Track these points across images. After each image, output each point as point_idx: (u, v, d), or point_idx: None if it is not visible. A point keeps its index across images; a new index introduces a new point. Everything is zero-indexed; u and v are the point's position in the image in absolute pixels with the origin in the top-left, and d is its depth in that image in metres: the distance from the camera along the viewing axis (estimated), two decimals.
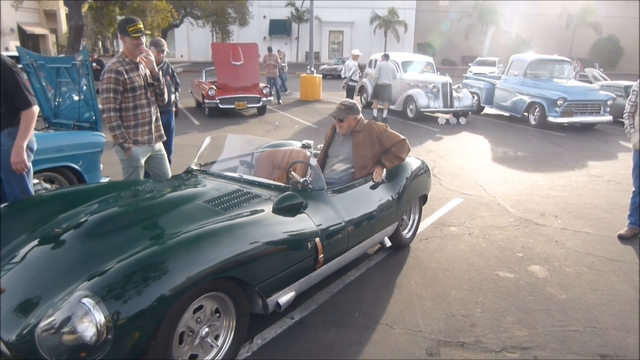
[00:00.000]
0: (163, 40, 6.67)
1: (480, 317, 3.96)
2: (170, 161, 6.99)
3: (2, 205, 3.70)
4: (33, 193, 4.48)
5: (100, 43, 64.30)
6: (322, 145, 5.26)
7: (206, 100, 14.93)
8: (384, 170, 4.84)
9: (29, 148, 4.33)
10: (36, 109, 4.22)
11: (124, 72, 4.65)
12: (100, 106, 4.66)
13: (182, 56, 50.21)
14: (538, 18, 50.59)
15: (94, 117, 6.12)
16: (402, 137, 4.91)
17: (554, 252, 5.34)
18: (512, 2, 50.55)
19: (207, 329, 3.01)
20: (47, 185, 5.65)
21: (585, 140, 12.54)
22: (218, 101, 14.79)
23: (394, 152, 4.85)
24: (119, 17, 28.64)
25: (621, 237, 5.73)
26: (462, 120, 14.84)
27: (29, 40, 41.70)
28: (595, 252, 5.34)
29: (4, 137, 4.19)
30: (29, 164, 4.37)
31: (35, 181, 5.52)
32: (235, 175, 4.47)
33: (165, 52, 6.52)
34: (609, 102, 13.76)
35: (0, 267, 3.00)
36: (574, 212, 6.68)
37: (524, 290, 4.44)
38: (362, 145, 4.80)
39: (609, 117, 13.77)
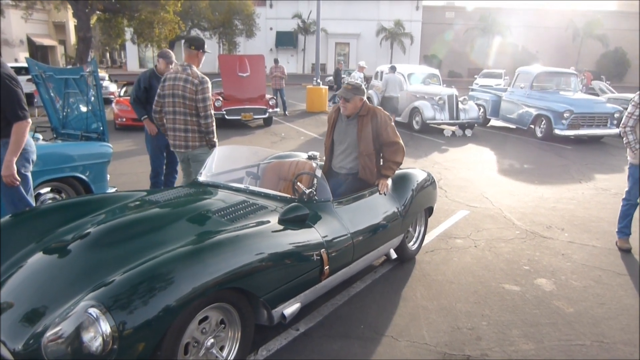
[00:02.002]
0: (171, 52, 6.73)
1: (486, 330, 3.94)
2: (176, 172, 7.03)
3: (7, 216, 3.71)
4: (33, 203, 4.51)
5: (108, 54, 64.78)
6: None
7: (213, 111, 14.97)
8: (389, 180, 4.86)
9: (25, 159, 4.37)
10: (27, 122, 4.20)
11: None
12: (209, 112, 5.21)
13: None
14: (544, 30, 50.69)
15: (101, 128, 6.16)
16: (399, 140, 4.80)
17: (560, 265, 5.31)
18: (518, 14, 50.72)
19: (212, 340, 3.01)
20: (55, 196, 5.68)
21: (592, 152, 12.51)
22: (224, 112, 14.85)
23: (388, 159, 4.80)
24: (127, 29, 28.93)
25: (621, 249, 5.74)
26: (468, 132, 14.84)
27: (38, 52, 42.05)
28: (602, 266, 5.31)
29: (1, 148, 4.19)
30: (28, 174, 4.41)
31: (45, 190, 5.55)
32: (241, 186, 4.47)
33: (173, 64, 6.58)
34: (616, 115, 13.73)
35: (0, 278, 3.02)
36: (580, 225, 6.65)
37: (530, 303, 4.42)
38: (365, 132, 4.71)
39: (616, 130, 13.69)
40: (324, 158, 5.15)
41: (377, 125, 4.72)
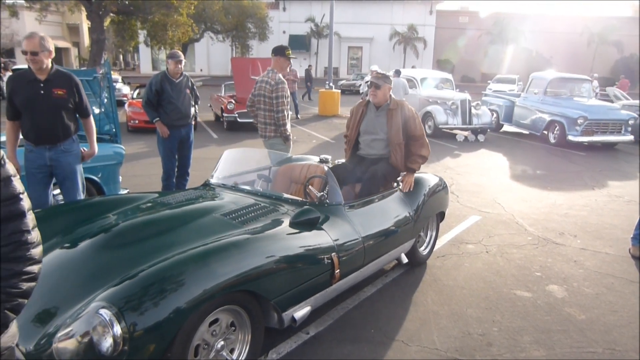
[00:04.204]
0: (179, 52, 6.77)
1: (497, 336, 3.92)
2: (188, 174, 7.05)
3: None
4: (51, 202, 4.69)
5: (121, 57, 65.17)
6: (342, 159, 5.37)
7: (225, 114, 15.03)
8: (413, 177, 5.02)
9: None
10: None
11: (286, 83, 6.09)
12: (280, 108, 5.94)
13: (201, 70, 50.67)
14: (559, 36, 50.35)
15: (114, 130, 6.19)
16: (424, 134, 5.07)
17: (572, 272, 5.27)
18: (532, 19, 50.46)
19: (222, 342, 3.02)
20: None
21: (605, 159, 12.42)
22: (237, 115, 14.88)
23: (414, 152, 5.00)
24: (140, 32, 29.12)
25: (634, 257, 5.69)
26: (481, 137, 14.77)
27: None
28: (615, 273, 5.27)
29: (74, 142, 4.73)
30: None
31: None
32: (253, 189, 4.48)
33: (183, 63, 6.61)
34: (631, 122, 13.62)
35: None
36: (593, 232, 6.60)
37: (542, 310, 4.39)
38: (395, 123, 4.95)
39: (630, 137, 13.61)
40: (345, 149, 5.46)
41: (405, 117, 4.98)
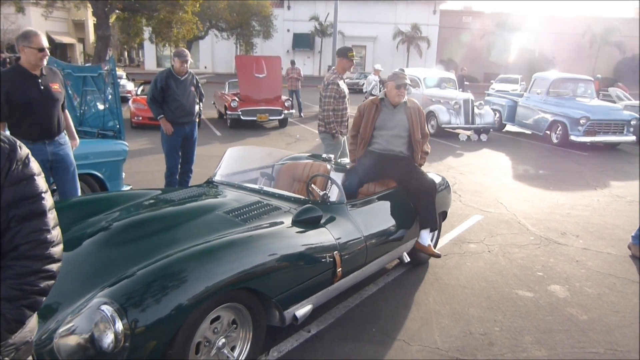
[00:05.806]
0: (186, 51, 6.76)
1: (498, 335, 3.92)
2: (191, 171, 7.06)
3: None
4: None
5: (126, 53, 65.21)
6: (345, 160, 5.39)
7: (228, 112, 15.01)
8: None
9: None
10: None
11: (339, 84, 6.30)
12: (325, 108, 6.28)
13: (205, 67, 50.63)
14: (561, 36, 50.20)
15: (117, 126, 6.20)
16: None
17: (574, 272, 5.27)
18: (535, 20, 50.34)
19: (223, 340, 3.02)
20: None
21: (608, 160, 12.39)
22: (240, 113, 14.87)
23: (422, 150, 5.25)
24: (145, 28, 29.13)
25: (634, 257, 5.68)
26: (484, 137, 14.73)
27: (57, 49, 42.46)
28: (617, 274, 5.26)
29: (65, 135, 4.87)
30: None
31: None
32: (256, 186, 4.49)
33: (189, 62, 6.60)
34: (633, 122, 13.58)
35: None
36: (595, 232, 6.59)
37: (544, 310, 4.38)
38: (415, 122, 5.12)
39: (633, 137, 13.58)
40: (352, 149, 5.42)
41: (420, 116, 5.19)
